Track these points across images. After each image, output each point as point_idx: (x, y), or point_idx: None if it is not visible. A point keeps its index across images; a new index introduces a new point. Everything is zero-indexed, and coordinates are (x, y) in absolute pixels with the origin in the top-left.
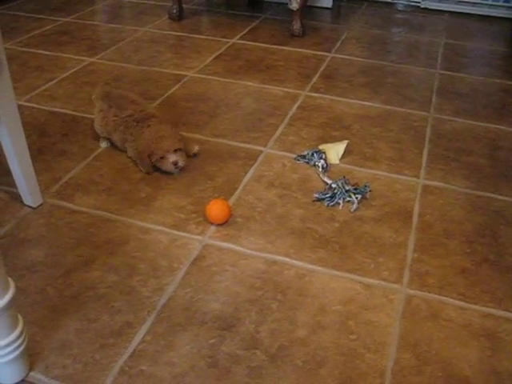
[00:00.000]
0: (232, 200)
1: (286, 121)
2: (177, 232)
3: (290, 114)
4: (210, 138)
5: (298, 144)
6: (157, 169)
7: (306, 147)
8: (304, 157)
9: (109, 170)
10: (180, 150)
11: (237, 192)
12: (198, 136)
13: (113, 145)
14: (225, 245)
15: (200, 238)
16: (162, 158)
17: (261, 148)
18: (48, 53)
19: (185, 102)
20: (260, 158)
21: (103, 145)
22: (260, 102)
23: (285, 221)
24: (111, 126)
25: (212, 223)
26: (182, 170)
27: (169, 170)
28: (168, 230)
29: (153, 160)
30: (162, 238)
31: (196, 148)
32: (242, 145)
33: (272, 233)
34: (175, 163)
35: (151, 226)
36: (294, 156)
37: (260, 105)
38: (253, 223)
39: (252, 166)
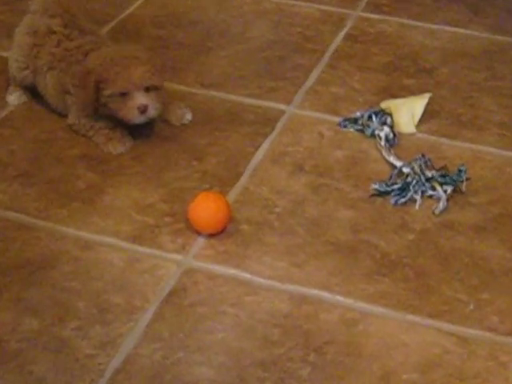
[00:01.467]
0: (233, 194)
1: (325, 60)
2: (139, 247)
3: (332, 48)
4: (195, 90)
5: (344, 100)
6: (106, 117)
7: (358, 105)
8: (356, 121)
9: (25, 144)
10: (157, 89)
11: (241, 180)
12: (175, 86)
13: (36, 98)
14: (220, 269)
15: (179, 257)
16: (122, 94)
17: (282, 106)
18: None
19: (153, 29)
20: (280, 124)
21: (14, 99)
22: (281, 29)
23: (322, 229)
24: (44, 62)
25: (199, 232)
26: (149, 128)
27: (129, 118)
28: (124, 243)
29: (104, 93)
30: (115, 258)
31: (187, 114)
32: (251, 101)
33: (300, 249)
34: (142, 108)
35: (96, 236)
36: (339, 120)
37: (281, 33)
38: (268, 233)
39: (267, 136)
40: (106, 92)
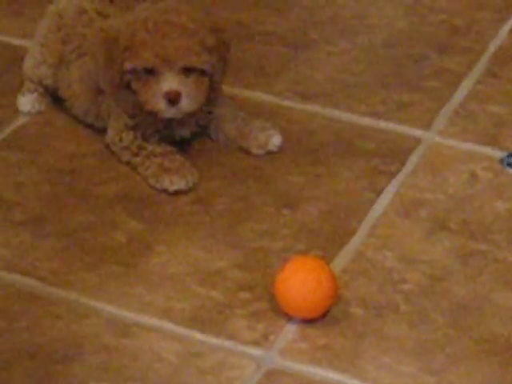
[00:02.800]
0: (341, 261)
1: (483, 65)
2: (201, 336)
3: (493, 47)
4: (289, 103)
5: (510, 124)
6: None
7: None
8: None
9: (40, 175)
10: (200, 72)
11: (354, 241)
12: (259, 96)
13: (57, 106)
14: (319, 373)
15: (259, 352)
16: (147, 71)
17: (417, 132)
18: None
19: (229, 10)
20: (414, 159)
21: (27, 104)
22: (417, 16)
23: (472, 319)
24: (74, 47)
25: (290, 316)
26: (219, 157)
27: (152, 107)
28: (179, 328)
29: (124, 66)
30: (164, 350)
31: (274, 138)
32: (371, 122)
33: (438, 348)
34: (171, 96)
35: (137, 316)
36: (502, 155)
37: (417, 22)
38: (391, 321)
39: (394, 176)
40: (128, 65)
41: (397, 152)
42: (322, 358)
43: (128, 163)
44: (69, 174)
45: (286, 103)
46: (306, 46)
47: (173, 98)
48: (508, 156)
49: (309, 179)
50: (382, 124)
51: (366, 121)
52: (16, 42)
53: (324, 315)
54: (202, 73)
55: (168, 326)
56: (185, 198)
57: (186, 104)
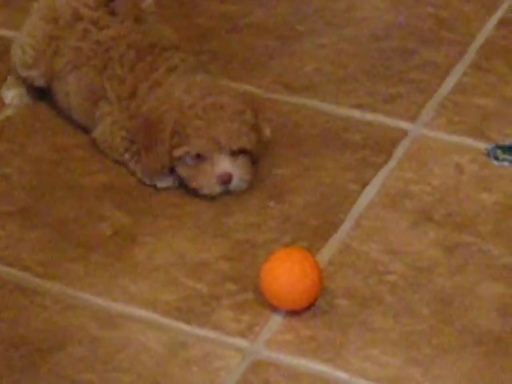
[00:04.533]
0: (327, 253)
1: (469, 57)
2: (187, 327)
3: (480, 39)
4: (277, 95)
5: (496, 117)
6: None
7: None
8: None
9: (26, 166)
10: (246, 152)
11: (340, 233)
12: (247, 88)
13: (45, 100)
14: (304, 364)
15: (244, 343)
16: (198, 156)
17: (403, 124)
18: None
19: (217, 2)
20: (400, 151)
21: (13, 97)
22: (405, 9)
23: (457, 311)
24: (67, 60)
25: (275, 307)
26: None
27: (202, 188)
28: (165, 320)
29: (174, 152)
30: (150, 340)
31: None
32: (358, 114)
33: (424, 339)
34: (225, 178)
35: (123, 307)
36: (487, 147)
37: (404, 15)
38: (377, 313)
39: (380, 168)
40: (178, 151)
41: (383, 144)
42: (307, 350)
43: (116, 161)
44: (56, 165)
45: (273, 95)
46: (293, 38)
47: (226, 181)
48: (494, 148)
49: (295, 171)
50: (369, 116)
51: (353, 113)
52: (3, 33)
53: (309, 307)
54: (248, 151)
55: (154, 316)
56: (171, 190)
57: (237, 183)
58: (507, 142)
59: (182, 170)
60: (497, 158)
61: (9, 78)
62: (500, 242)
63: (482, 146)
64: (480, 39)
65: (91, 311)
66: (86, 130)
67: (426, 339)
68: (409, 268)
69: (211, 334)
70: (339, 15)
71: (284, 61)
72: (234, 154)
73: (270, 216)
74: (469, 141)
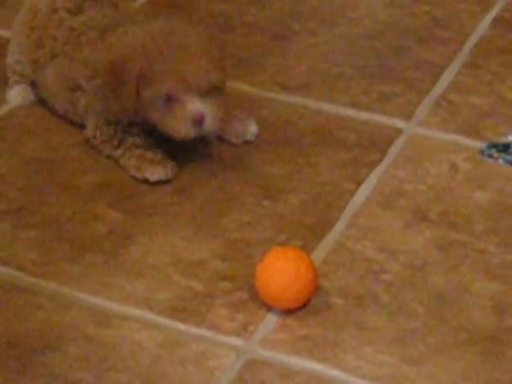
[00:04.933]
0: (322, 252)
1: (464, 56)
2: (181, 325)
3: (474, 38)
4: (271, 94)
5: (490, 115)
6: (141, 127)
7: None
8: (507, 148)
9: (21, 165)
10: (217, 91)
11: (335, 232)
12: (241, 87)
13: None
14: (299, 363)
15: (239, 342)
16: (168, 98)
17: (398, 123)
18: None
19: (211, 1)
20: (395, 149)
21: (16, 96)
22: (399, 7)
23: (452, 309)
24: (47, 50)
25: (270, 306)
26: (199, 148)
27: (176, 132)
28: (160, 318)
29: (143, 95)
30: (145, 339)
31: (251, 127)
32: (352, 113)
33: (419, 338)
34: (198, 118)
35: (118, 306)
36: (482, 146)
37: (399, 13)
38: (372, 312)
39: (374, 166)
40: (146, 93)
41: (377, 143)
42: (301, 349)
43: (109, 156)
44: (50, 164)
45: (268, 94)
46: (288, 37)
47: (199, 120)
48: (488, 147)
49: (290, 170)
50: (363, 115)
51: (347, 112)
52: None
53: (304, 306)
54: (218, 90)
55: (149, 315)
56: (165, 188)
57: (210, 123)
58: (502, 140)
59: (153, 114)
60: (491, 157)
61: (10, 78)
62: (495, 240)
63: (477, 144)
64: (475, 38)
65: (86, 310)
66: (80, 129)
67: (421, 338)
68: (404, 267)
69: (206, 332)
70: (334, 14)
71: (278, 59)
72: (204, 93)
73: (265, 215)
74: (463, 139)
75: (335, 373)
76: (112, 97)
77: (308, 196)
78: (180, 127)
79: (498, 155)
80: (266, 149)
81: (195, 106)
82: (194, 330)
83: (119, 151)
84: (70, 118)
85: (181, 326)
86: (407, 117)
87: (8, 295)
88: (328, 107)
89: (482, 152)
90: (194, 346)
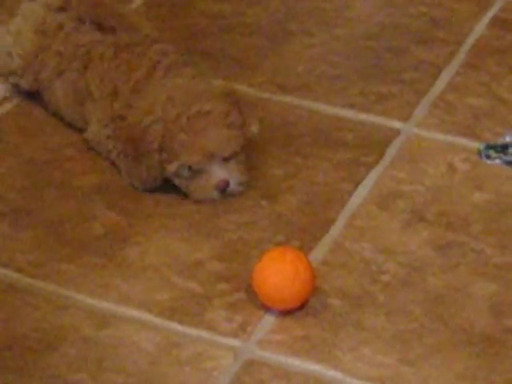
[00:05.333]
0: (320, 252)
1: (461, 57)
2: (179, 327)
3: (472, 39)
4: (269, 95)
5: (488, 116)
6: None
7: (510, 126)
8: (504, 149)
9: (17, 166)
10: (237, 154)
11: (332, 232)
12: (239, 88)
13: (35, 98)
14: (297, 364)
15: (237, 343)
16: (193, 169)
17: (396, 124)
18: None
19: (209, 2)
20: (392, 150)
21: (4, 90)
22: (397, 8)
23: (449, 310)
24: (52, 67)
25: (267, 307)
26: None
27: (204, 197)
28: (158, 320)
29: (168, 168)
30: (143, 341)
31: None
32: (349, 114)
33: (416, 339)
34: (223, 186)
35: (116, 308)
36: (480, 147)
37: (397, 14)
38: (369, 312)
39: (372, 167)
40: (170, 167)
41: (375, 143)
42: (299, 349)
43: (107, 158)
44: (47, 165)
45: (265, 95)
46: (285, 37)
47: (224, 188)
48: (486, 147)
49: (287, 171)
50: (361, 116)
51: (345, 112)
52: None
53: (302, 306)
54: (240, 151)
55: (146, 317)
56: (163, 189)
57: (235, 187)
58: (499, 141)
59: (179, 183)
60: (489, 158)
61: None
62: (492, 241)
63: (475, 145)
64: (472, 38)
65: (84, 311)
66: (77, 130)
67: (419, 339)
68: (401, 267)
69: (204, 333)
70: (331, 14)
71: (276, 60)
72: (227, 158)
73: (263, 215)
74: (461, 140)
75: (333, 373)
76: (136, 165)
77: (306, 197)
78: (205, 194)
79: (496, 156)
80: (264, 149)
81: (219, 174)
82: (192, 331)
83: (113, 155)
84: (77, 125)
85: (178, 327)
86: (405, 117)
87: (5, 296)
88: (326, 108)
89: (479, 153)
90: (192, 347)
